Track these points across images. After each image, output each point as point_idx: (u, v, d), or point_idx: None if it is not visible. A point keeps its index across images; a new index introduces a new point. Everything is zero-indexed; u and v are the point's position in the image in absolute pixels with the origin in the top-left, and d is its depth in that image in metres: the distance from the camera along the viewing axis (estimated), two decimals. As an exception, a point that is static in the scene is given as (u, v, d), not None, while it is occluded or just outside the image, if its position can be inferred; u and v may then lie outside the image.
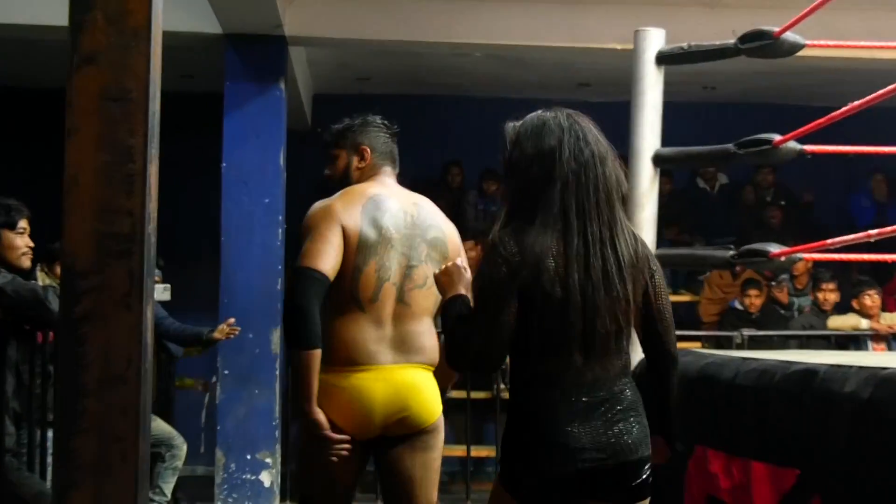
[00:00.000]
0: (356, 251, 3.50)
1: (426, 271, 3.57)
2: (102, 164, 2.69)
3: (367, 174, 3.79)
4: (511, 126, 3.15)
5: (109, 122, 2.66)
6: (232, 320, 6.66)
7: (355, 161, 3.81)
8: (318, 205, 3.60)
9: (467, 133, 10.91)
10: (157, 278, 7.29)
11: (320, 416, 3.41)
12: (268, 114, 7.80)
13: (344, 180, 3.79)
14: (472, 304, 3.01)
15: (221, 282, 7.37)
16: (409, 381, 3.55)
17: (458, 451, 8.57)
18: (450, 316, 3.06)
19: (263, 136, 7.75)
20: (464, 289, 3.08)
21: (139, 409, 2.66)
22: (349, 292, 3.52)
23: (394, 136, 3.94)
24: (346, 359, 3.50)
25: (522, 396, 2.96)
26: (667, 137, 5.18)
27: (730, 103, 10.34)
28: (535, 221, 2.91)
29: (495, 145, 9.66)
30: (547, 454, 2.85)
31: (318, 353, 3.39)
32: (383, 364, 3.51)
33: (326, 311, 3.48)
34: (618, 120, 5.19)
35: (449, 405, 4.05)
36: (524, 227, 2.91)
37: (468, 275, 3.13)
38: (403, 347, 3.58)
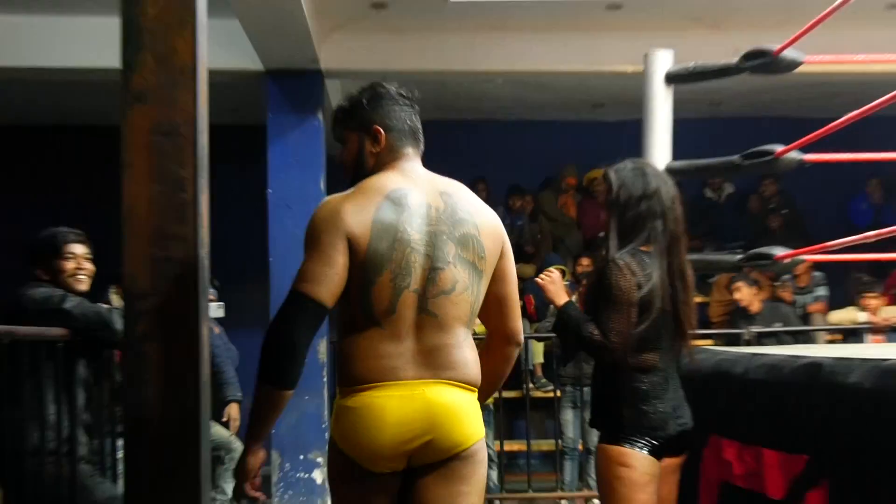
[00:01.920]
0: (365, 262, 2.72)
1: (455, 274, 2.77)
2: (156, 194, 2.70)
3: (385, 160, 2.92)
4: (613, 171, 3.64)
5: (161, 156, 2.67)
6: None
7: (368, 144, 2.93)
8: (324, 205, 2.82)
9: (492, 152, 10.92)
10: (211, 297, 7.33)
11: (254, 462, 2.79)
12: (308, 142, 7.83)
13: (358, 169, 2.95)
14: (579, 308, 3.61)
15: (271, 299, 7.37)
16: (434, 399, 2.72)
17: (519, 445, 8.65)
18: (571, 318, 3.55)
19: (304, 163, 7.78)
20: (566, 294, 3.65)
21: (198, 418, 2.67)
22: (360, 308, 2.76)
23: (414, 107, 3.05)
24: (359, 377, 2.74)
25: (634, 378, 3.47)
26: (677, 151, 5.16)
27: (735, 118, 10.31)
28: (651, 251, 3.51)
29: (518, 163, 9.64)
30: (654, 416, 3.47)
31: (288, 394, 2.74)
32: (404, 380, 2.72)
33: (337, 328, 2.88)
34: (631, 137, 5.20)
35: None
36: (638, 252, 3.50)
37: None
38: (430, 362, 2.75)
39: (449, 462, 2.76)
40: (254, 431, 2.77)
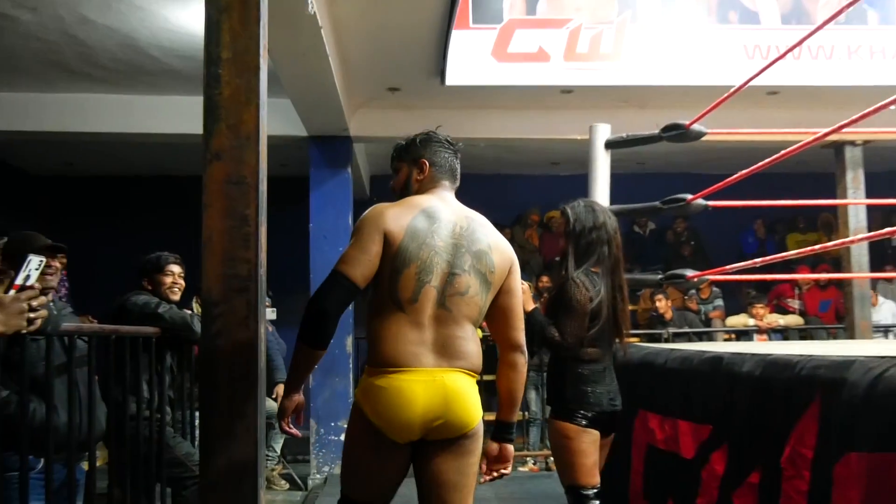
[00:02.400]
0: (396, 254, 2.63)
1: (468, 281, 2.67)
2: (228, 227, 2.69)
3: (426, 187, 2.86)
4: (569, 208, 3.67)
5: (231, 199, 2.66)
6: (298, 401, 6.39)
7: (415, 173, 2.88)
8: (372, 209, 2.76)
9: (476, 198, 10.80)
10: (267, 304, 7.32)
11: (289, 404, 2.73)
12: (340, 190, 7.84)
13: (404, 192, 2.88)
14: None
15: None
16: (450, 385, 2.60)
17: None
18: (536, 322, 3.51)
19: (337, 205, 7.80)
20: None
21: (256, 396, 2.65)
22: (388, 293, 2.64)
23: (456, 153, 3.01)
24: (387, 360, 2.61)
25: (579, 366, 3.48)
26: (613, 198, 5.16)
27: (656, 174, 10.32)
28: (599, 271, 3.53)
29: (495, 206, 9.57)
30: (592, 397, 3.46)
31: (320, 353, 2.70)
32: (425, 367, 2.59)
33: (368, 311, 2.74)
34: (580, 187, 5.19)
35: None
36: (590, 272, 3.52)
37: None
38: (445, 352, 2.63)
39: (459, 440, 2.64)
40: (290, 380, 2.73)
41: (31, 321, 2.35)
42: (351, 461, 2.71)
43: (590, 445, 3.42)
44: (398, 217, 2.68)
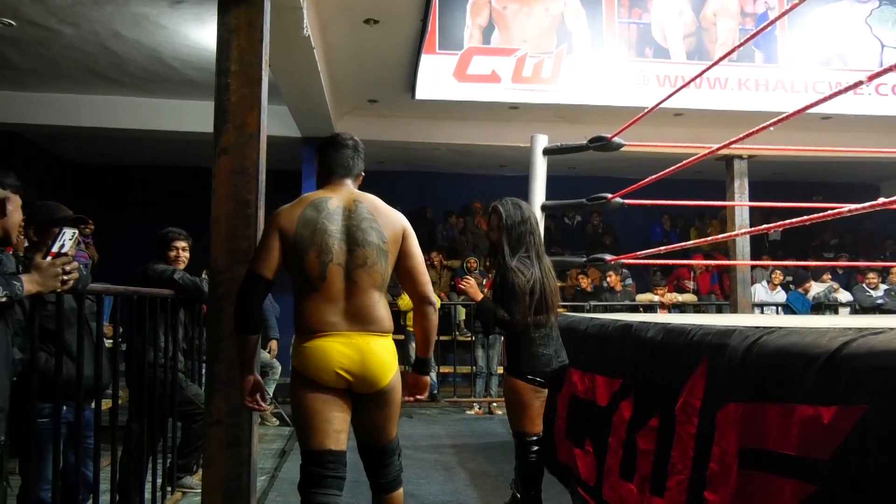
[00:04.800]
0: (294, 244, 2.53)
1: (366, 253, 2.57)
2: (232, 210, 2.66)
3: (321, 182, 2.75)
4: (500, 205, 3.54)
5: (236, 187, 2.63)
6: (254, 380, 5.91)
7: (316, 169, 2.80)
8: (273, 212, 2.64)
9: (436, 191, 10.92)
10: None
11: (245, 385, 2.57)
12: (326, 182, 7.79)
13: (317, 183, 2.81)
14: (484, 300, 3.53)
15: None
16: (364, 346, 2.54)
17: (448, 368, 8.56)
18: (487, 308, 3.47)
19: (324, 194, 7.74)
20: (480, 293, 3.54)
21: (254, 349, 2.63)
22: (300, 276, 2.57)
23: (354, 149, 2.79)
24: (310, 328, 2.54)
25: (530, 333, 3.42)
26: (549, 195, 5.17)
27: (584, 176, 10.35)
28: (529, 256, 3.45)
29: (451, 198, 9.45)
30: (539, 360, 3.42)
31: (253, 337, 2.57)
32: (342, 331, 2.53)
33: (294, 295, 2.63)
34: (522, 186, 5.19)
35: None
36: (522, 258, 3.43)
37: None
38: (357, 318, 2.55)
39: (380, 393, 2.58)
40: (240, 365, 2.59)
41: (64, 282, 2.31)
42: (298, 413, 2.59)
43: (536, 400, 3.42)
44: (289, 214, 2.58)
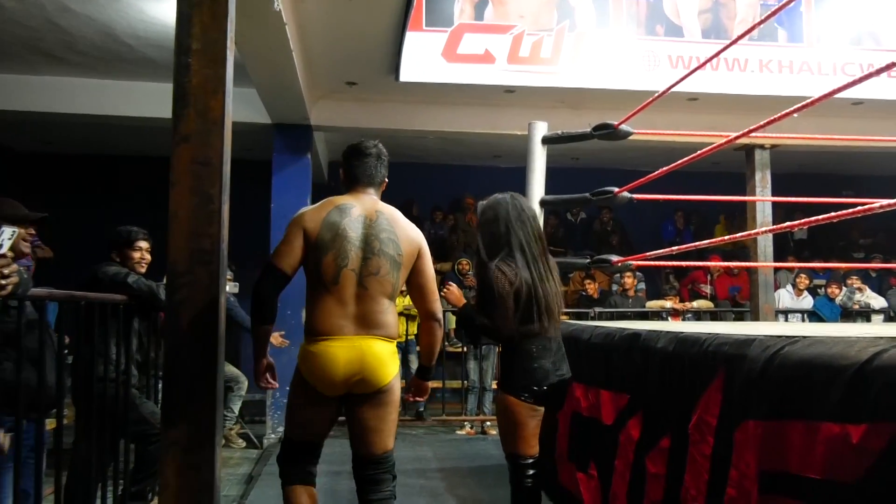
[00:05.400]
0: (315, 245, 2.95)
1: (380, 263, 2.98)
2: (193, 205, 2.65)
3: (345, 188, 3.19)
4: (482, 203, 3.55)
5: (197, 179, 2.62)
6: (282, 333, 6.42)
7: (341, 176, 3.25)
8: (297, 213, 3.10)
9: (424, 184, 10.92)
10: (229, 277, 7.23)
11: (259, 367, 3.08)
12: (300, 174, 7.77)
13: (342, 189, 3.24)
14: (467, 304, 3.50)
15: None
16: (366, 349, 2.93)
17: (437, 384, 8.55)
18: (465, 315, 3.46)
19: (297, 188, 7.73)
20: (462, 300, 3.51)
21: (216, 359, 2.63)
22: (315, 277, 2.97)
23: (378, 157, 3.23)
24: (318, 330, 2.94)
25: (525, 343, 3.30)
26: (549, 189, 5.18)
27: (587, 168, 10.39)
28: (513, 255, 3.32)
29: (439, 192, 9.50)
30: (534, 375, 3.29)
31: (267, 328, 3.03)
32: (347, 335, 2.92)
33: (306, 294, 3.04)
34: (519, 178, 5.20)
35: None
36: (506, 258, 3.32)
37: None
38: (364, 323, 2.95)
39: (377, 394, 2.99)
40: (255, 350, 3.07)
41: (1, 287, 2.29)
42: (291, 410, 3.11)
43: (531, 419, 3.33)
44: (314, 215, 3.02)
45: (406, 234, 3.10)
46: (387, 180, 3.29)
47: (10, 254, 2.34)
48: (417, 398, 3.46)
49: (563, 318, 7.09)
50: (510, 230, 3.39)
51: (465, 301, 3.51)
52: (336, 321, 2.94)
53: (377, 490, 3.06)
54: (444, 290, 3.56)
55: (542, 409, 3.37)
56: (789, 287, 9.41)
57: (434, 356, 3.30)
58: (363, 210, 3.06)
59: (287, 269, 2.97)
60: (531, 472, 3.38)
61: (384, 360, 2.98)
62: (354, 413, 3.04)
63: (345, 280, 2.95)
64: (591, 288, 9.14)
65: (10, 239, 2.33)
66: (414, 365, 7.96)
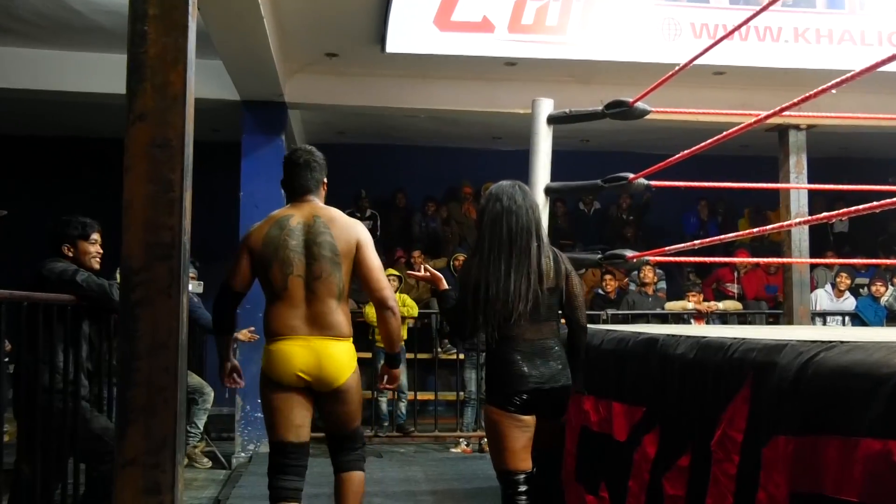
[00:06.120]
0: (260, 260, 3.61)
1: (322, 267, 3.57)
2: (150, 192, 2.65)
3: (288, 199, 3.84)
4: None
5: (155, 163, 2.62)
6: (252, 329, 6.48)
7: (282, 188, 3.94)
8: (245, 231, 3.82)
9: (415, 171, 10.96)
10: (192, 275, 7.23)
11: (223, 369, 3.86)
12: (273, 157, 7.73)
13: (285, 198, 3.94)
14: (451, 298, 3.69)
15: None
16: (321, 349, 3.56)
17: (429, 395, 8.70)
18: (448, 299, 3.68)
19: (269, 173, 7.67)
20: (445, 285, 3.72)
21: (177, 367, 2.63)
22: (267, 286, 3.63)
23: (300, 168, 3.78)
24: (275, 331, 3.59)
25: (507, 347, 3.43)
26: (555, 175, 5.20)
27: (599, 152, 10.42)
28: (483, 250, 3.48)
29: (431, 179, 9.53)
30: (509, 380, 3.39)
31: (227, 337, 3.87)
32: (301, 335, 3.56)
33: (265, 301, 3.69)
34: (521, 163, 5.22)
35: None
36: (478, 254, 3.51)
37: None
38: (315, 324, 3.57)
39: (337, 392, 3.64)
40: (220, 356, 3.90)
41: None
42: (265, 410, 3.70)
43: (516, 430, 3.37)
44: (257, 234, 3.66)
45: (342, 230, 3.66)
46: (325, 181, 3.86)
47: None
48: (388, 386, 4.00)
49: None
50: (493, 224, 3.49)
51: (446, 288, 3.71)
52: (290, 322, 3.58)
53: (349, 452, 3.77)
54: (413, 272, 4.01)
55: (531, 419, 3.41)
56: (828, 287, 9.45)
57: (395, 343, 3.82)
58: (301, 217, 3.65)
59: (238, 288, 3.70)
60: (522, 488, 3.42)
61: (340, 361, 3.62)
62: (322, 406, 3.71)
63: (293, 286, 3.57)
64: (611, 286, 9.16)
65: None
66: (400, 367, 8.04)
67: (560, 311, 3.63)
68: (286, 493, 3.60)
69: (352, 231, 3.68)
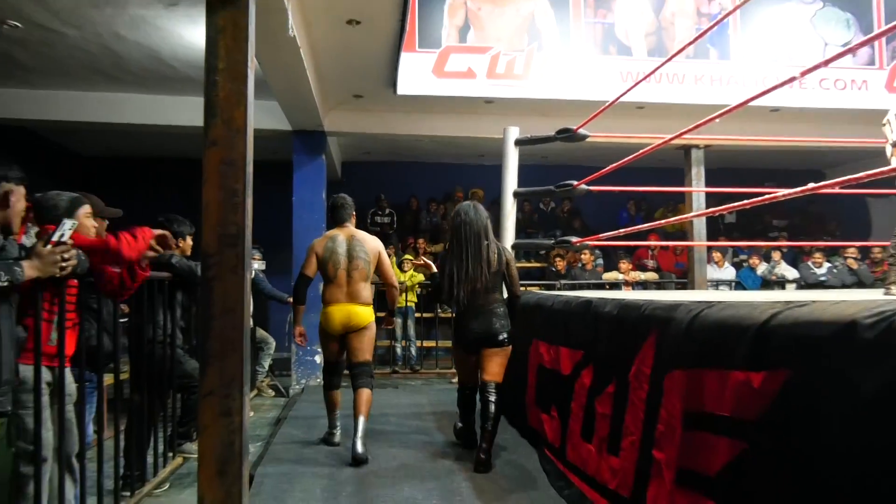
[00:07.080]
0: (321, 260, 4.36)
1: (358, 263, 4.35)
2: (221, 198, 2.65)
3: (332, 224, 4.57)
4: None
5: (224, 177, 2.62)
6: (303, 332, 6.31)
7: (328, 217, 4.69)
8: (312, 243, 4.48)
9: (421, 180, 10.92)
10: (257, 256, 7.24)
11: (296, 331, 4.51)
12: (316, 172, 7.74)
13: (329, 224, 4.72)
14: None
15: (294, 258, 7.32)
16: (352, 310, 4.32)
17: (431, 343, 8.67)
18: (435, 277, 4.23)
19: (314, 183, 7.71)
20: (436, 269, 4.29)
21: (242, 325, 2.64)
22: (324, 274, 4.37)
23: (339, 209, 4.50)
24: (328, 301, 4.36)
25: (457, 312, 4.18)
26: (521, 182, 5.20)
27: (555, 165, 10.36)
28: (450, 247, 4.10)
29: (434, 186, 9.39)
30: (462, 332, 4.09)
31: (300, 307, 4.49)
32: (341, 303, 4.33)
33: (322, 283, 4.41)
34: (499, 174, 5.21)
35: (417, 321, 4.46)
36: (445, 251, 4.20)
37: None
38: (351, 297, 4.33)
39: (359, 331, 4.36)
40: (294, 320, 4.57)
41: (63, 268, 2.32)
42: (322, 347, 4.49)
43: (466, 361, 4.21)
44: (319, 243, 4.43)
45: (370, 245, 4.44)
46: (354, 213, 4.58)
47: (70, 241, 2.36)
48: (388, 326, 4.76)
49: (535, 289, 7.13)
50: (456, 231, 4.05)
51: (434, 272, 4.29)
52: (336, 296, 4.36)
53: (362, 377, 4.33)
54: (408, 263, 4.55)
55: (477, 356, 4.07)
56: (713, 263, 9.45)
57: (394, 305, 4.72)
58: (345, 236, 4.43)
59: (310, 274, 4.39)
60: (467, 392, 4.29)
61: (362, 315, 4.36)
62: (349, 340, 4.38)
63: (339, 275, 4.35)
64: (560, 264, 9.16)
65: (70, 230, 2.36)
66: (410, 323, 8.50)
67: (503, 285, 4.17)
68: (334, 383, 4.49)
69: (374, 244, 4.49)
